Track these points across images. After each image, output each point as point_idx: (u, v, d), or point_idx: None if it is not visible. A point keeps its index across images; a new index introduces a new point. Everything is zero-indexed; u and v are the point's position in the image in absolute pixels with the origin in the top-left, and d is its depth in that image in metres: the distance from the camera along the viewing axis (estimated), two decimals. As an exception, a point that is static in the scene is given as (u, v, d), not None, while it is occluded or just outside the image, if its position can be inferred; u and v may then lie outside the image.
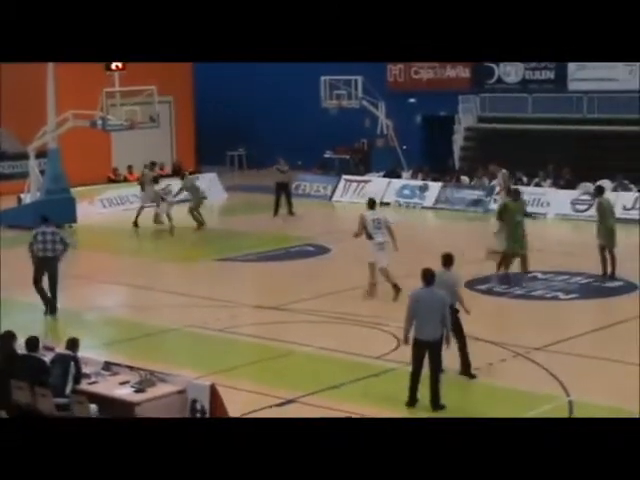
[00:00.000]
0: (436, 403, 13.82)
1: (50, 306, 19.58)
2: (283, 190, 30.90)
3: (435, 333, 13.82)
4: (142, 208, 29.19)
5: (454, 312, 14.86)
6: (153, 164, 31.62)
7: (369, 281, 20.05)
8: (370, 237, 20.10)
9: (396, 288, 19.48)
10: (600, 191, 22.96)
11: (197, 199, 29.40)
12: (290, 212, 30.75)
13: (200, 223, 28.81)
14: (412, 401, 13.92)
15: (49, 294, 19.66)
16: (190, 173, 30.63)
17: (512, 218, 21.34)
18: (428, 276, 14.02)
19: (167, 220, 27.89)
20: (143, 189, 29.83)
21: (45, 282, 19.69)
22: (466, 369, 15.12)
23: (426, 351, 13.84)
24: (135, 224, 28.89)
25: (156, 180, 29.37)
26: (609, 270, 21.32)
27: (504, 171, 27.56)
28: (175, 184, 30.39)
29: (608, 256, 21.43)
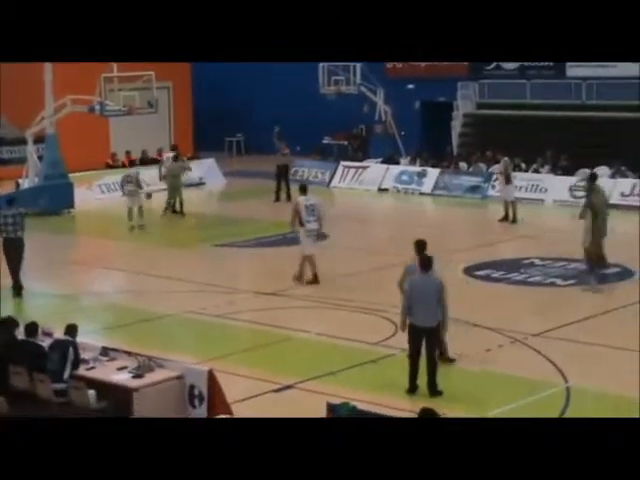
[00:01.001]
0: (433, 389, 13.85)
1: (15, 287, 19.69)
2: (283, 174, 30.89)
3: (431, 319, 13.86)
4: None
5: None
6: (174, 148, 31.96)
7: (300, 269, 20.06)
8: (302, 224, 20.06)
9: (315, 278, 19.84)
10: (593, 178, 22.86)
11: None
12: (288, 197, 30.72)
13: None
14: (412, 388, 13.95)
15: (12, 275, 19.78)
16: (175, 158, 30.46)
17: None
18: (425, 262, 14.08)
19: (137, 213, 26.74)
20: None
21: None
22: (443, 353, 14.94)
23: (423, 337, 13.88)
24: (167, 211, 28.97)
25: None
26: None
27: (505, 159, 27.53)
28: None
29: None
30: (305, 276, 20.15)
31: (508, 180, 27.10)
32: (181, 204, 28.83)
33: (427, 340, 13.87)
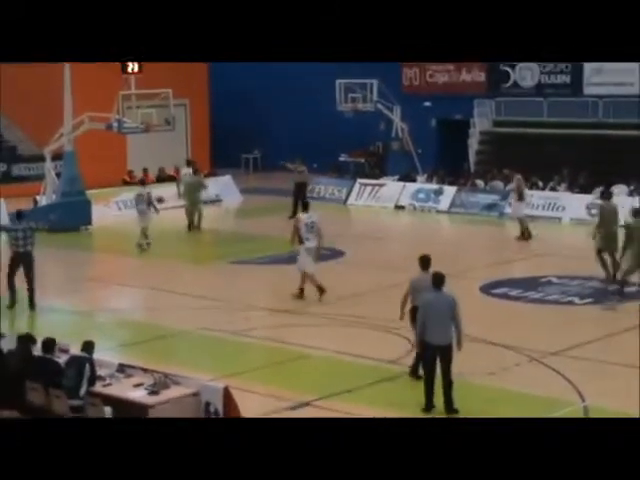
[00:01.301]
0: (450, 407, 13.80)
1: (30, 301, 19.82)
2: (301, 191, 30.93)
3: (445, 337, 13.82)
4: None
5: None
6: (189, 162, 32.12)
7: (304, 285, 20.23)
8: (301, 241, 20.15)
9: (321, 289, 20.02)
10: (605, 195, 22.97)
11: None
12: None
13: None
14: (429, 406, 13.90)
15: (27, 288, 19.88)
16: (194, 172, 30.73)
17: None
18: (437, 280, 14.04)
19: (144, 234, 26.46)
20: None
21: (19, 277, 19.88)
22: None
23: (437, 355, 13.83)
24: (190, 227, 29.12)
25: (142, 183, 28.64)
26: (611, 272, 21.09)
27: (518, 176, 27.51)
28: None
29: (609, 260, 21.21)
30: (312, 293, 20.19)
31: (520, 197, 27.07)
32: (199, 219, 28.94)
33: (442, 358, 13.82)
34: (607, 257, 21.19)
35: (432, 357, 13.86)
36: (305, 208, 20.92)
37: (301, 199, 30.74)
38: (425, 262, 15.16)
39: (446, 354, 13.83)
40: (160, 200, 31.66)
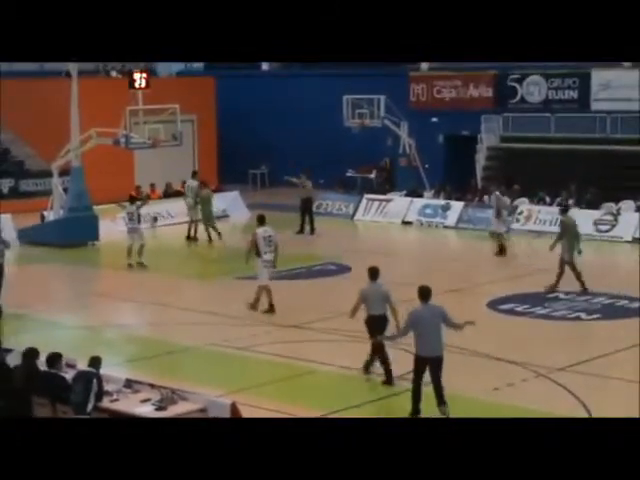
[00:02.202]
0: (443, 405, 14.10)
1: None
2: (307, 206, 31.00)
3: (436, 349, 14.11)
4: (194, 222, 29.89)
5: (386, 321, 15.79)
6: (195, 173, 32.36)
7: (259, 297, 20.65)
8: (259, 255, 20.44)
9: (271, 308, 20.41)
10: (564, 211, 24.02)
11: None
12: (312, 230, 30.82)
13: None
14: (416, 411, 14.17)
15: None
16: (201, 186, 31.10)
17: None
18: (424, 293, 14.31)
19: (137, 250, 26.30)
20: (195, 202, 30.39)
21: None
22: (389, 378, 15.77)
23: (427, 366, 14.12)
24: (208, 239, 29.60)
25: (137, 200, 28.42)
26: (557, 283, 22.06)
27: (497, 193, 27.64)
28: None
29: (571, 270, 22.05)
30: (261, 305, 20.60)
31: (498, 214, 27.16)
32: (216, 232, 29.24)
33: (432, 369, 14.11)
34: (567, 268, 22.00)
35: (422, 369, 14.16)
36: (261, 222, 21.17)
37: (308, 214, 30.88)
38: (373, 273, 16.10)
39: (437, 365, 14.10)
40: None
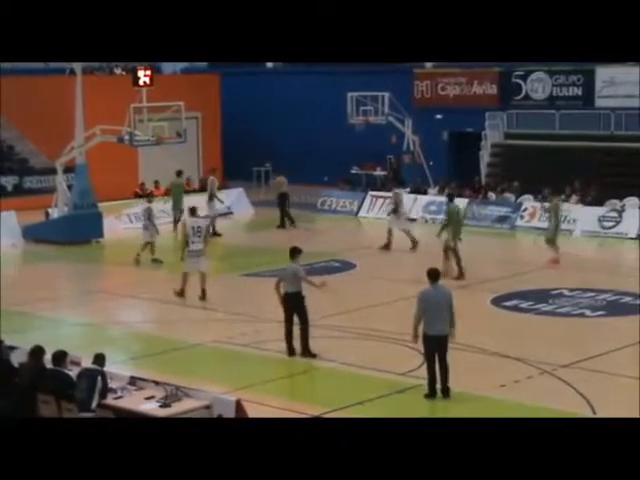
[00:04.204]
0: (447, 391, 14.86)
1: None
2: (283, 201, 31.67)
3: (444, 328, 14.80)
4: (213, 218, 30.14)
5: (300, 298, 17.10)
6: (213, 170, 32.65)
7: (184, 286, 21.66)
8: (187, 244, 21.38)
9: (203, 294, 21.43)
10: (450, 199, 24.75)
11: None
12: (291, 222, 31.72)
13: None
14: (432, 393, 14.90)
15: None
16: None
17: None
18: (433, 275, 15.06)
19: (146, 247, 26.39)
20: (211, 199, 30.59)
21: None
22: (305, 350, 17.08)
23: (436, 345, 14.79)
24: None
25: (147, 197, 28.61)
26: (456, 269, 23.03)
27: (396, 191, 28.56)
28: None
29: (452, 255, 23.11)
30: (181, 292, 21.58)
31: (395, 211, 27.71)
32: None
33: (439, 348, 14.82)
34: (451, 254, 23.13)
35: (432, 348, 14.84)
36: (192, 213, 22.33)
37: (285, 209, 31.41)
38: (293, 252, 17.50)
39: (443, 344, 14.81)
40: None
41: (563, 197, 31.44)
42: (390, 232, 27.47)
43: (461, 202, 32.45)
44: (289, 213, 31.93)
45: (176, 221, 30.29)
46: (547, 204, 26.81)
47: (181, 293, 21.67)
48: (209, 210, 30.34)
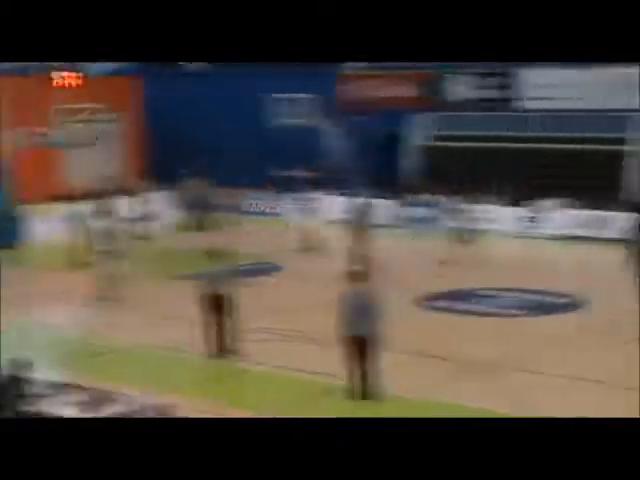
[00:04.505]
0: (371, 392, 14.88)
1: None
2: (202, 204, 32.08)
3: (366, 329, 14.82)
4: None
5: (230, 298, 17.25)
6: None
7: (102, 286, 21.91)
8: (97, 245, 22.21)
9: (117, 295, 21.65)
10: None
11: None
12: (208, 226, 31.98)
13: None
14: (355, 394, 14.89)
15: None
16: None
17: None
18: (354, 276, 15.33)
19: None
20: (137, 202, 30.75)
21: None
22: (229, 349, 17.34)
23: (359, 346, 14.79)
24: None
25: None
26: None
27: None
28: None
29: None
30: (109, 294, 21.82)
31: (306, 212, 28.64)
32: None
33: (362, 349, 14.81)
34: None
35: (354, 349, 14.88)
36: (101, 215, 23.15)
37: (203, 211, 31.48)
38: (216, 253, 17.78)
39: (366, 345, 14.83)
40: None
41: (476, 197, 31.86)
42: (305, 233, 27.80)
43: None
44: (209, 215, 31.82)
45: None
46: (461, 205, 27.20)
47: (101, 294, 21.86)
48: (135, 212, 30.25)
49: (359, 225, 24.05)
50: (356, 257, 23.46)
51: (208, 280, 17.54)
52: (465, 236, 25.72)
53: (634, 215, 27.70)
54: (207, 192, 32.69)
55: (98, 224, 22.17)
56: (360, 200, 29.53)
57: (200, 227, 31.79)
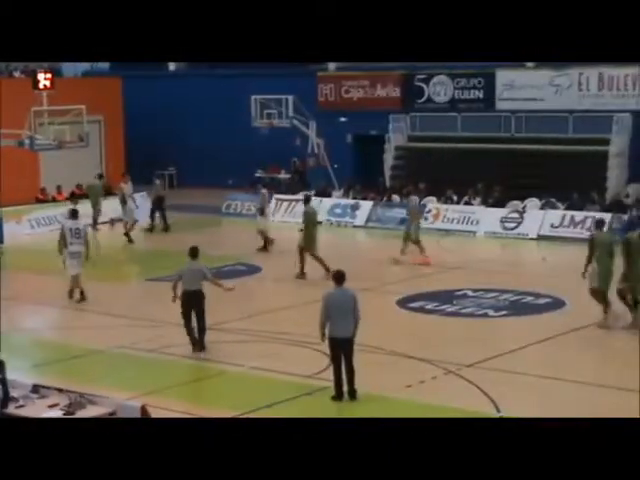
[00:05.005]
0: (354, 393, 14.93)
1: None
2: (158, 205, 31.90)
3: (349, 330, 14.87)
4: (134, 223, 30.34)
5: (200, 296, 17.46)
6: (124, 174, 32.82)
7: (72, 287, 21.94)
8: (66, 246, 21.82)
9: (82, 296, 21.78)
10: (307, 201, 25.51)
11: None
12: (165, 228, 31.91)
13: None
14: (339, 394, 14.97)
15: None
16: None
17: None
18: (338, 276, 15.14)
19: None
20: (124, 203, 30.71)
21: None
22: (199, 343, 17.58)
23: (342, 347, 14.88)
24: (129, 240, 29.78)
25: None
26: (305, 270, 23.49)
27: (263, 191, 29.04)
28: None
29: (310, 258, 23.53)
30: (75, 295, 21.84)
31: (262, 212, 28.44)
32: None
33: (345, 350, 14.91)
34: (307, 255, 23.57)
35: (338, 350, 14.93)
36: (73, 216, 22.58)
37: (160, 212, 31.45)
38: (193, 252, 17.76)
39: (349, 346, 14.92)
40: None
41: (454, 197, 31.93)
42: (262, 233, 27.88)
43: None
44: (165, 216, 32.05)
45: (95, 222, 30.75)
46: (408, 204, 27.22)
47: (70, 294, 21.96)
48: (124, 215, 30.35)
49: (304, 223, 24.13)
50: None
51: (188, 277, 17.57)
52: (412, 236, 25.58)
53: (618, 215, 27.99)
54: (164, 193, 32.72)
55: (69, 224, 21.94)
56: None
57: (166, 228, 31.71)
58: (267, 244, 27.85)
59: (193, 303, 17.48)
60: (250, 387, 16.01)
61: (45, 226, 31.53)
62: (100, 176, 32.49)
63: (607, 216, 27.99)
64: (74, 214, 22.54)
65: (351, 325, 14.88)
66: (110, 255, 28.11)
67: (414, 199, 27.10)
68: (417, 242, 25.33)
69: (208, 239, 29.84)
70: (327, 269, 22.52)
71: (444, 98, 36.71)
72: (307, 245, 23.72)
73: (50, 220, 31.94)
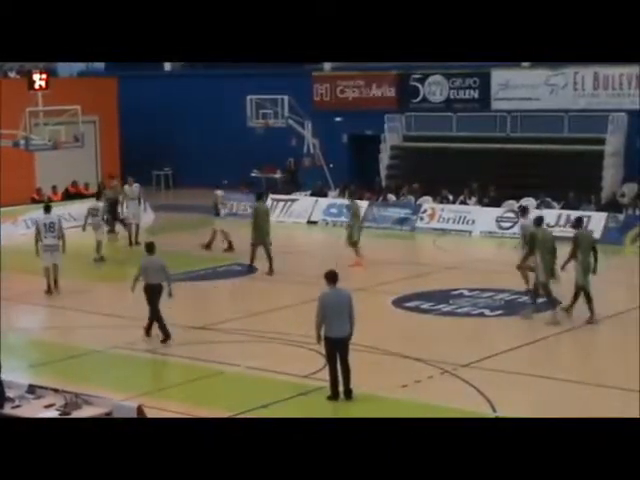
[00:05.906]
0: (349, 393, 14.98)
1: None
2: (114, 207, 31.57)
3: (344, 330, 14.87)
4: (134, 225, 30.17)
5: (159, 290, 18.38)
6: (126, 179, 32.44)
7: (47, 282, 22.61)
8: (40, 239, 22.68)
9: (55, 285, 22.68)
10: (259, 197, 26.41)
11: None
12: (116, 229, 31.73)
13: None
14: (334, 395, 15.00)
15: None
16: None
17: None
18: (331, 276, 15.14)
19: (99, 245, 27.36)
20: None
21: None
22: (147, 332, 18.55)
23: (338, 347, 14.89)
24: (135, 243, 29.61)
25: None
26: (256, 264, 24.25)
27: (217, 192, 29.20)
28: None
29: (264, 252, 24.29)
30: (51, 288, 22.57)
31: (217, 212, 28.59)
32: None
33: (341, 350, 14.93)
34: (262, 249, 24.38)
35: (333, 351, 14.96)
36: (46, 210, 23.36)
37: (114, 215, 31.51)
38: (149, 247, 18.92)
39: (344, 346, 14.96)
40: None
41: (449, 196, 31.92)
42: (215, 233, 28.15)
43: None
44: (118, 219, 31.82)
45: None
46: (349, 204, 27.18)
47: (49, 290, 22.63)
48: (133, 218, 30.25)
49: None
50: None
51: (151, 270, 18.59)
52: (354, 236, 25.51)
53: (614, 214, 28.01)
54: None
55: (42, 219, 22.83)
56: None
57: (113, 229, 31.63)
58: (210, 243, 28.12)
59: (152, 295, 18.43)
60: (246, 387, 16.03)
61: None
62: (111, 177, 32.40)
63: (603, 215, 28.12)
64: (47, 209, 23.34)
65: (347, 325, 14.88)
66: (107, 255, 28.10)
67: (357, 202, 27.36)
68: (355, 244, 25.32)
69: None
70: (270, 266, 24.07)
71: (439, 98, 36.73)
72: (255, 239, 24.69)
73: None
